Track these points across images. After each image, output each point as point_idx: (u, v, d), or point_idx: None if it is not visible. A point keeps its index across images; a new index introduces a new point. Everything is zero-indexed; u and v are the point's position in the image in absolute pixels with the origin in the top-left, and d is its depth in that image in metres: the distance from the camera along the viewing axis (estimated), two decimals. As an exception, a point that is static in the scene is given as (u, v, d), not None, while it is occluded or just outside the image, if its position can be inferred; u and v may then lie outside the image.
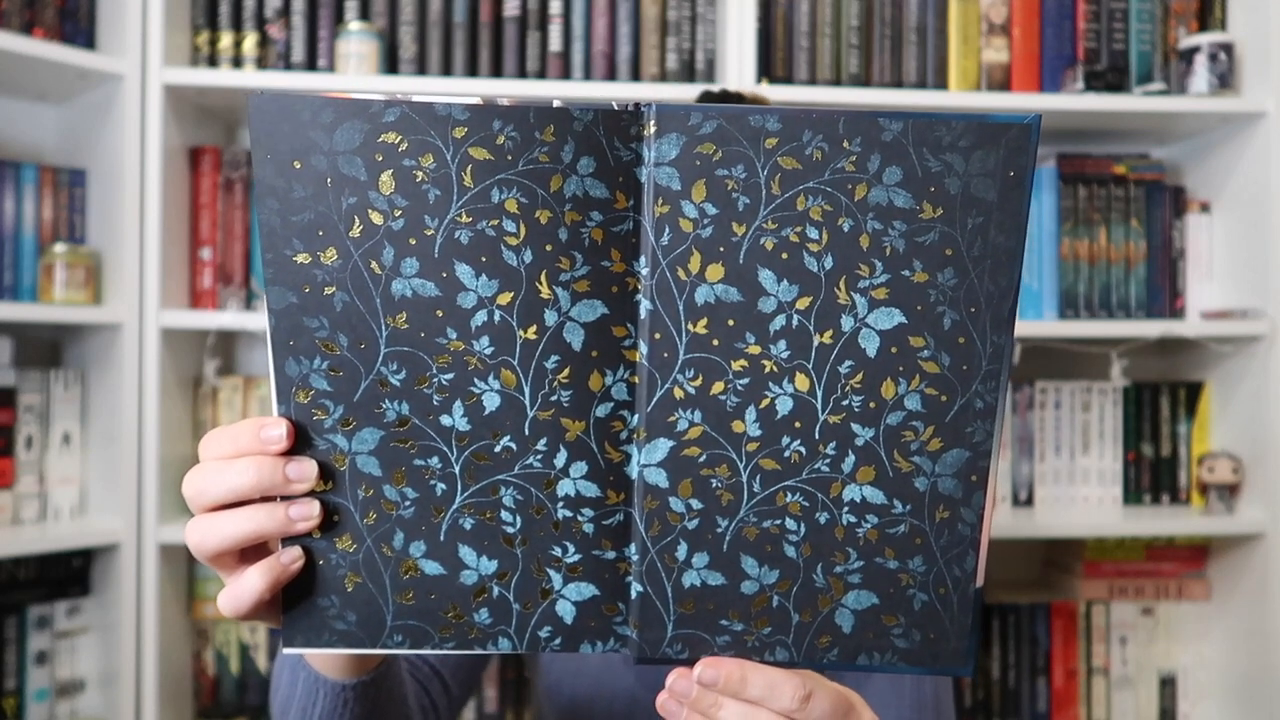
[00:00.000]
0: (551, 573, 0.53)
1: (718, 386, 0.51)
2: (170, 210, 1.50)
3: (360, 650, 0.54)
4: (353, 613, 0.53)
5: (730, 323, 0.50)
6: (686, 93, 1.54)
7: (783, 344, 0.50)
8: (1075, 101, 1.59)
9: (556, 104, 0.50)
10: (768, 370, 0.50)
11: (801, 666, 0.53)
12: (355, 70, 1.51)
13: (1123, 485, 1.70)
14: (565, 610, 0.53)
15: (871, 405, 0.51)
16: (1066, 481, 1.69)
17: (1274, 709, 1.59)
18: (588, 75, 1.59)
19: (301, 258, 0.50)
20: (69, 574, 1.54)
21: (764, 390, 0.51)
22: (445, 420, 0.51)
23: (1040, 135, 0.49)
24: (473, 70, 1.57)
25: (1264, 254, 1.60)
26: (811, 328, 0.50)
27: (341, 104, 0.49)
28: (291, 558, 0.52)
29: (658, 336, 0.50)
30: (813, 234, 0.50)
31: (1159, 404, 1.73)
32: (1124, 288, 1.67)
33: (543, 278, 0.50)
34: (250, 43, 1.55)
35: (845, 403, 0.51)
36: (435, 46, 1.57)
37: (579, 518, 0.52)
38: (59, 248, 1.48)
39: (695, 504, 0.52)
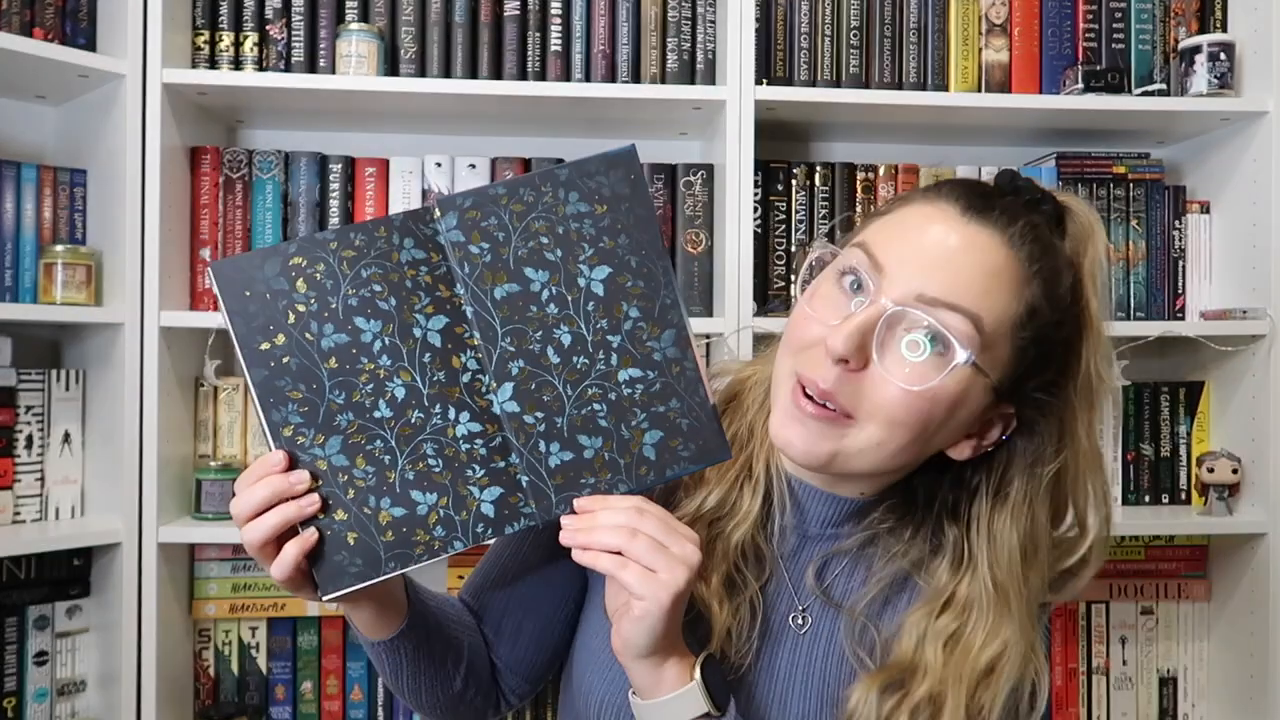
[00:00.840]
0: (471, 489, 0.79)
1: (526, 341, 0.80)
2: (170, 210, 1.50)
3: (371, 580, 0.78)
4: (359, 558, 0.78)
5: (520, 304, 0.80)
6: (686, 93, 1.54)
7: (553, 305, 0.80)
8: (1075, 102, 1.59)
9: (382, 216, 0.81)
10: (550, 322, 0.80)
11: (638, 492, 0.80)
12: (355, 70, 1.51)
13: (1122, 485, 1.70)
14: (488, 510, 0.79)
15: (613, 322, 0.81)
16: (1066, 481, 1.69)
17: (1274, 709, 1.59)
18: (588, 75, 1.59)
19: (264, 346, 0.77)
20: (69, 574, 1.54)
21: (552, 334, 0.80)
22: (377, 414, 0.78)
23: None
24: (473, 71, 1.57)
25: (1264, 254, 1.61)
26: (565, 291, 0.80)
27: (264, 251, 0.78)
28: (310, 533, 0.77)
29: (482, 325, 0.79)
30: (545, 240, 0.80)
31: (1159, 404, 1.73)
32: (1124, 288, 1.67)
33: (406, 311, 0.78)
34: (250, 43, 1.55)
35: (598, 325, 0.80)
36: (435, 46, 1.57)
37: (475, 447, 0.79)
38: (59, 248, 1.48)
39: (539, 415, 0.80)
